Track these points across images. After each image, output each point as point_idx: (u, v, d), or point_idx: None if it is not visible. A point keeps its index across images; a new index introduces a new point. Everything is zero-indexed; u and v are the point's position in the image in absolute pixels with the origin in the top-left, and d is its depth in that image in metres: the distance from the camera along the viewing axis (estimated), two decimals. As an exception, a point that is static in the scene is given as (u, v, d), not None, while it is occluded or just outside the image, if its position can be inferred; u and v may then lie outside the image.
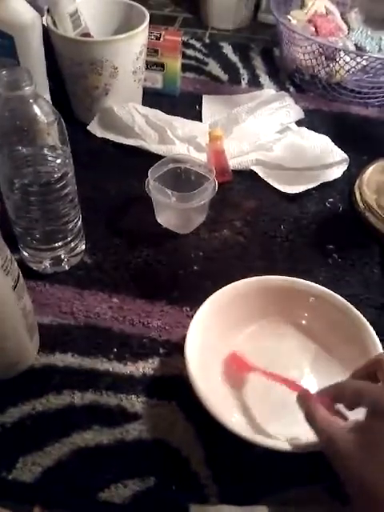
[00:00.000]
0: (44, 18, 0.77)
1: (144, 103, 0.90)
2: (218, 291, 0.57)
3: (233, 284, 0.58)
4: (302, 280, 0.59)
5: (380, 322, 0.61)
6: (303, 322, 0.59)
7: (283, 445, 0.47)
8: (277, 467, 0.50)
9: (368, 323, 0.55)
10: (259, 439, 0.48)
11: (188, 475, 0.49)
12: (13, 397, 0.53)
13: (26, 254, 0.64)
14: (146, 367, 0.56)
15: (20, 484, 0.48)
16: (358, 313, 0.56)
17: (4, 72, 0.49)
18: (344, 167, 0.80)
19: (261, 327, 0.59)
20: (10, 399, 0.53)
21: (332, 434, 0.41)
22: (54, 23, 0.78)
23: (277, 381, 0.52)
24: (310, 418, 0.44)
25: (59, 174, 0.56)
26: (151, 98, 0.91)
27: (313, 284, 0.59)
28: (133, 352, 0.58)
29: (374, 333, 0.54)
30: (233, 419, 0.49)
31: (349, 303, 0.57)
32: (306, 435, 0.47)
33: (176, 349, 0.57)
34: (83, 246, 0.67)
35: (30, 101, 0.50)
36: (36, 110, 0.51)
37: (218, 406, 0.49)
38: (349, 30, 1.06)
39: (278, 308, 0.59)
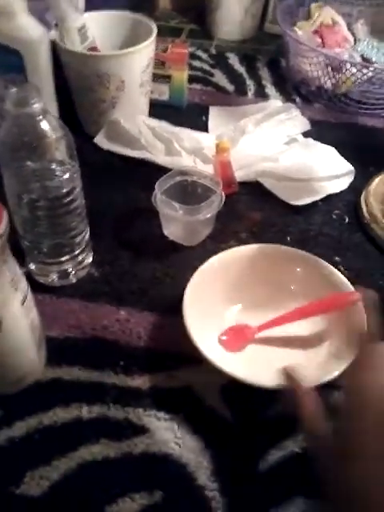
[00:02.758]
0: (52, 32, 0.78)
1: (151, 115, 0.90)
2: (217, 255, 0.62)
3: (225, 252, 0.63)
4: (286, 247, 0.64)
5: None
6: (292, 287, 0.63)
7: (265, 382, 0.51)
8: (283, 480, 0.50)
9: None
10: (242, 375, 0.51)
11: (195, 489, 0.49)
12: (20, 411, 0.53)
13: (33, 267, 0.64)
14: (152, 380, 0.57)
15: (28, 499, 0.48)
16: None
17: (13, 89, 0.50)
18: (350, 179, 0.80)
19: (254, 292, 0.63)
20: (18, 413, 0.53)
21: (315, 436, 0.45)
22: (62, 37, 0.78)
23: (280, 323, 0.58)
24: (298, 411, 0.46)
25: (67, 189, 0.56)
26: (158, 109, 0.92)
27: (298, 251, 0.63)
28: (140, 365, 0.58)
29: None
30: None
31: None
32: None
33: (183, 362, 0.58)
34: (90, 259, 0.67)
35: (39, 117, 0.51)
36: (44, 126, 0.52)
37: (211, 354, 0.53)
38: (355, 41, 1.06)
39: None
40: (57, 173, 0.56)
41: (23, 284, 0.48)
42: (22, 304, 0.48)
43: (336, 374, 0.51)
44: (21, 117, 0.51)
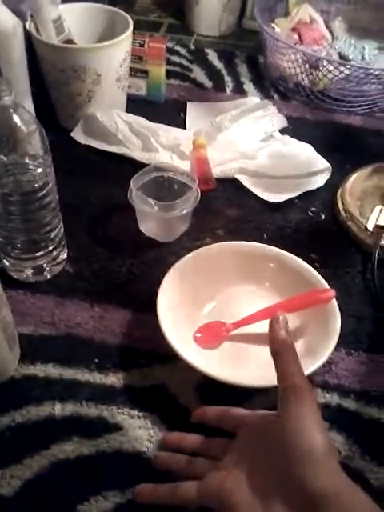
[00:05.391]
0: (27, 23, 0.76)
1: (128, 110, 0.89)
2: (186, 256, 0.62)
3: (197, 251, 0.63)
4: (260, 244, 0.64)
5: (360, 331, 0.62)
6: (267, 284, 0.63)
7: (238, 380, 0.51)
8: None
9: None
10: (216, 373, 0.51)
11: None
12: (-8, 408, 0.53)
13: (7, 262, 0.63)
14: (127, 378, 0.56)
15: (-2, 498, 0.47)
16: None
17: (-17, 82, 0.49)
18: (327, 176, 0.80)
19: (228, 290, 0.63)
20: (-11, 411, 0.53)
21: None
22: (37, 29, 0.77)
23: (255, 320, 0.58)
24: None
25: (40, 184, 0.56)
26: (135, 104, 0.91)
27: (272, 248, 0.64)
28: (114, 362, 0.57)
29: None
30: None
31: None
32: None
33: (158, 359, 0.57)
34: (65, 255, 0.66)
35: (10, 110, 0.50)
36: (16, 119, 0.51)
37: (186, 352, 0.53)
38: (332, 38, 1.07)
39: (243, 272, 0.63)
40: (29, 167, 0.55)
41: (-6, 280, 0.47)
42: (-7, 300, 0.47)
43: (312, 369, 0.51)
44: (-9, 110, 0.50)
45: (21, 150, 0.53)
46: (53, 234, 0.61)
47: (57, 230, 0.62)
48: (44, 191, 0.56)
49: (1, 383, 0.55)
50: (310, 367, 0.52)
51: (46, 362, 0.57)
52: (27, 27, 0.76)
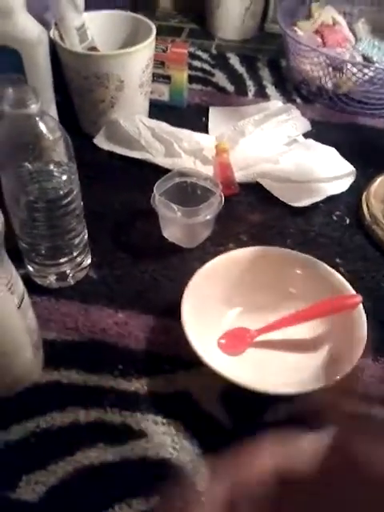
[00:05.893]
0: (51, 31, 0.77)
1: (150, 116, 0.90)
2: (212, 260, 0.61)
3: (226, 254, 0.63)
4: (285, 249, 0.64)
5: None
6: (292, 289, 0.62)
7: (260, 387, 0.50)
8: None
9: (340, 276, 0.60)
10: (240, 379, 0.51)
11: (193, 494, 0.48)
12: (17, 414, 0.53)
13: (31, 268, 0.64)
14: (150, 384, 0.56)
15: (23, 503, 0.47)
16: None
17: (10, 90, 0.49)
18: (351, 179, 0.79)
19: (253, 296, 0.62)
20: (14, 416, 0.53)
21: None
22: (61, 37, 0.78)
23: (279, 326, 0.58)
24: None
25: (65, 191, 0.56)
26: (158, 110, 0.91)
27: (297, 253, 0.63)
28: (138, 369, 0.57)
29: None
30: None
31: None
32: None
33: (181, 365, 0.57)
34: (89, 261, 0.67)
35: (36, 118, 0.51)
36: (42, 127, 0.51)
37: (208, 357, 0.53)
38: (356, 40, 1.05)
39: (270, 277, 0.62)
40: (55, 174, 0.55)
41: (20, 287, 0.48)
42: (19, 307, 0.48)
43: (337, 377, 0.51)
44: (18, 118, 0.50)
45: (46, 157, 0.54)
46: (77, 241, 0.62)
47: (81, 236, 0.62)
48: (69, 198, 0.57)
49: (26, 389, 0.55)
50: (335, 375, 0.51)
51: (70, 368, 0.57)
52: (51, 35, 0.77)
